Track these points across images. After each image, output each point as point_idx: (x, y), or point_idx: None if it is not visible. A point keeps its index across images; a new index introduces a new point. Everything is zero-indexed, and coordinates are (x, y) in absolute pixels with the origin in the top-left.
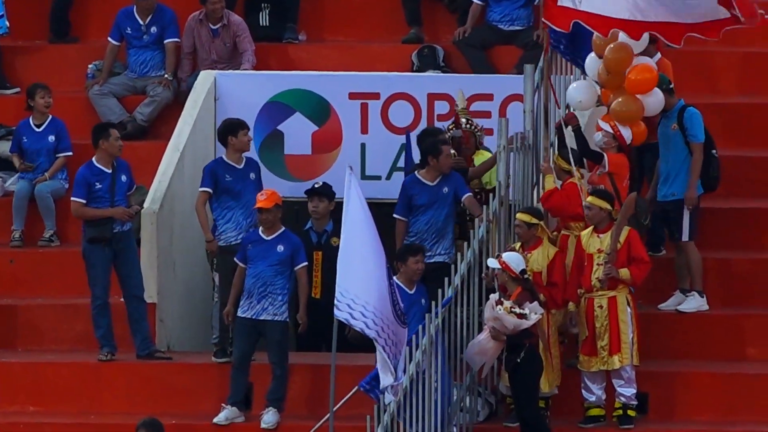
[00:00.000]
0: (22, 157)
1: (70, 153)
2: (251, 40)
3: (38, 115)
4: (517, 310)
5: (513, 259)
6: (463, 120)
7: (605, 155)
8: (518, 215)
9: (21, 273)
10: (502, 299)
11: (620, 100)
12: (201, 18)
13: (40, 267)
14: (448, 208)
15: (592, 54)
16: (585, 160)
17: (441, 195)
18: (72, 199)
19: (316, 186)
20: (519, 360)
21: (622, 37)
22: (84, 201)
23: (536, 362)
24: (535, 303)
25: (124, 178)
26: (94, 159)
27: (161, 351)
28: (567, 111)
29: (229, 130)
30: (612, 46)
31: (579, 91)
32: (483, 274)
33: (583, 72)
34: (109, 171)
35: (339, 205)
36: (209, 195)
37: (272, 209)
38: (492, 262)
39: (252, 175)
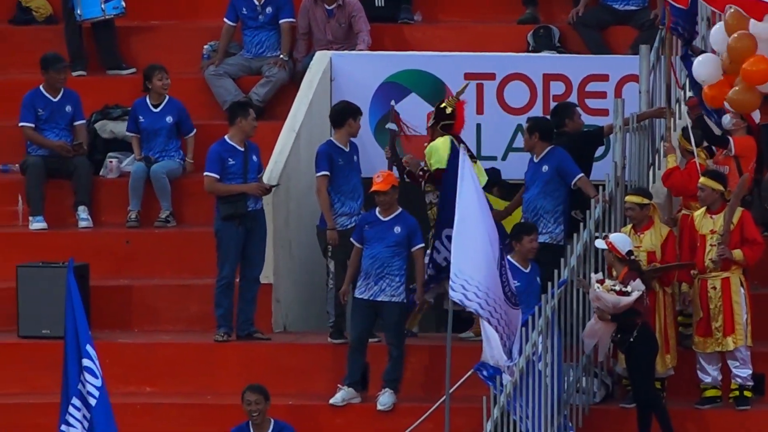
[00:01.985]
0: (140, 137)
1: (195, 131)
2: (366, 20)
3: (156, 95)
4: (617, 287)
5: (619, 240)
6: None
7: (731, 139)
8: (628, 197)
9: (137, 253)
10: (604, 279)
11: (737, 88)
12: None
13: (156, 247)
14: (543, 187)
15: (718, 25)
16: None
17: (539, 173)
18: (205, 174)
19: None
20: (632, 340)
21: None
22: (217, 176)
23: (650, 341)
24: (638, 281)
25: (255, 158)
26: (227, 137)
27: (260, 332)
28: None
29: (350, 113)
30: (736, 34)
31: (703, 65)
32: (578, 280)
33: (701, 51)
34: (242, 149)
35: None
36: (329, 178)
37: (389, 191)
38: (599, 243)
39: (355, 158)
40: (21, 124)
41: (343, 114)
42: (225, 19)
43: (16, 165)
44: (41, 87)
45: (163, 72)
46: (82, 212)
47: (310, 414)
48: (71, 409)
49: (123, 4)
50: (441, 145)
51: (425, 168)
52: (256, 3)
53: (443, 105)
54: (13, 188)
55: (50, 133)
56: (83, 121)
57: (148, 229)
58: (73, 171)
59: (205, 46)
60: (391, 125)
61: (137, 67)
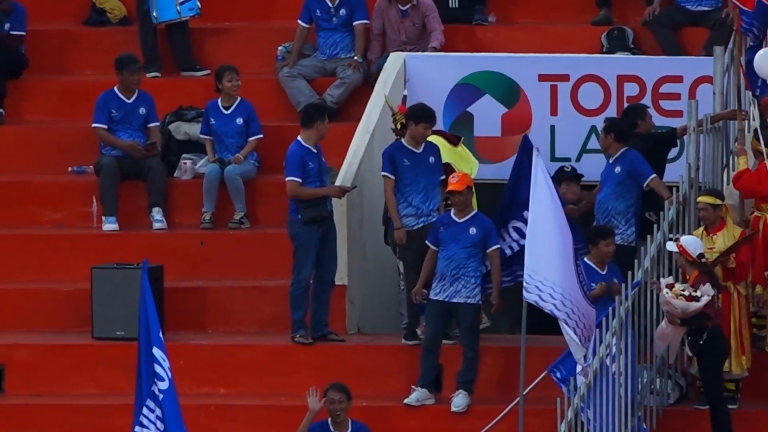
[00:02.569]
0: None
1: (261, 135)
2: (439, 20)
3: (226, 97)
4: (687, 292)
5: (690, 242)
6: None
7: None
8: (701, 198)
9: (211, 255)
10: (674, 283)
11: None
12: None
13: (230, 249)
14: (615, 188)
15: None
16: None
17: (612, 174)
18: (289, 179)
19: (565, 169)
20: (702, 342)
21: None
22: (300, 180)
23: (720, 344)
24: (707, 285)
25: (323, 159)
26: (302, 139)
27: (335, 333)
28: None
29: (421, 116)
30: None
31: (764, 59)
32: (651, 282)
33: None
34: (315, 151)
35: None
36: (392, 180)
37: (464, 192)
38: (670, 246)
39: (431, 159)
40: (94, 125)
41: (415, 116)
42: (299, 21)
43: (90, 166)
44: (115, 88)
45: (233, 73)
46: (157, 214)
47: (384, 415)
48: (145, 410)
49: (198, 5)
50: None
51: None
52: (330, 5)
53: (395, 122)
54: (88, 189)
55: (123, 134)
56: (157, 123)
57: (222, 230)
58: (147, 172)
59: (279, 48)
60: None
61: (211, 69)
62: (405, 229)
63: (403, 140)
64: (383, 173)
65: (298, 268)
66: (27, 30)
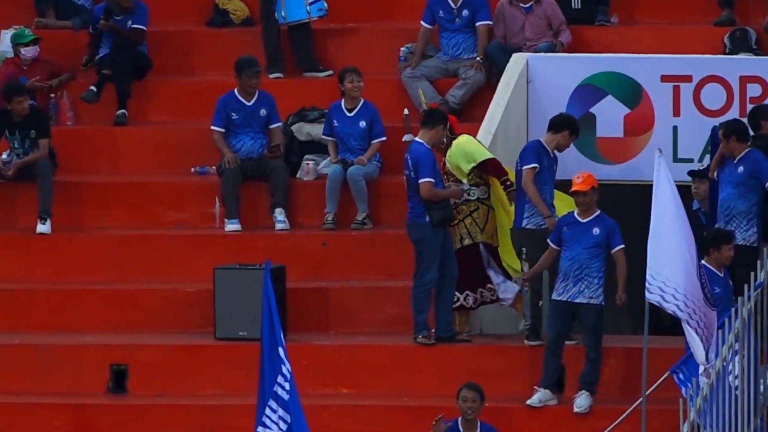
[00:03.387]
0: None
1: (384, 138)
2: (563, 17)
3: (349, 99)
4: None
5: None
6: None
7: None
8: None
9: (333, 256)
10: None
11: None
12: (511, 0)
13: (352, 250)
14: (737, 188)
15: None
16: None
17: (734, 174)
18: (426, 180)
19: (699, 168)
20: None
21: None
22: (434, 181)
23: None
24: None
25: None
26: (423, 140)
27: (462, 334)
28: None
29: (569, 125)
30: None
31: None
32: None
33: None
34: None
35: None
36: (536, 170)
37: (588, 192)
38: None
39: (554, 167)
40: (212, 127)
41: (564, 124)
42: (422, 22)
43: (213, 167)
44: (235, 91)
45: (354, 74)
46: (279, 214)
47: (507, 416)
48: (268, 411)
49: (326, 6)
50: (465, 141)
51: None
52: (453, 6)
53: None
54: (210, 190)
55: (245, 136)
56: (279, 124)
57: (344, 231)
58: (269, 173)
59: (402, 49)
60: (406, 137)
61: (334, 70)
62: (533, 228)
63: (542, 139)
64: (529, 166)
65: (423, 270)
66: (151, 31)
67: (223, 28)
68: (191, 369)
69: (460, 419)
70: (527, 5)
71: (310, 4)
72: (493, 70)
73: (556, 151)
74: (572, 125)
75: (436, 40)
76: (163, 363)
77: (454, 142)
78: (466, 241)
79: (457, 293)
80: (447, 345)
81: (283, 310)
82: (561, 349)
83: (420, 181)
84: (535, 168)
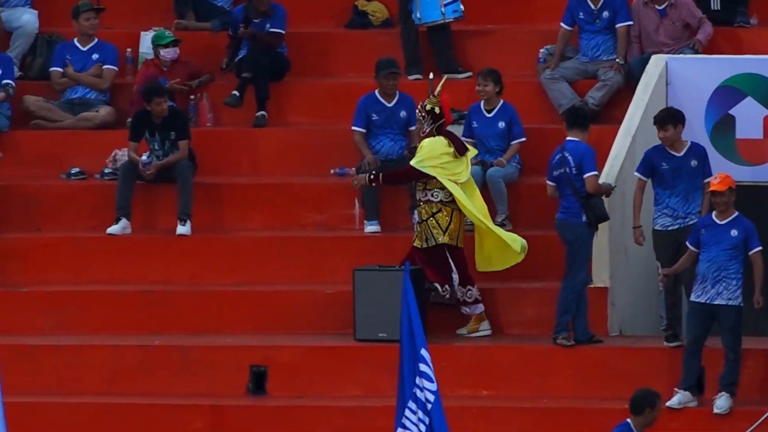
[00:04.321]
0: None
1: (524, 139)
2: (700, 14)
3: (487, 100)
4: None
5: None
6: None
7: None
8: None
9: (473, 257)
10: None
11: None
12: (646, 0)
13: None
14: None
15: None
16: None
17: None
18: (594, 174)
19: None
20: None
21: None
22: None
23: None
24: None
25: None
26: (579, 139)
27: (597, 336)
28: None
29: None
30: None
31: None
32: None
33: None
34: None
35: None
36: (645, 183)
37: (726, 192)
38: None
39: (693, 162)
40: (352, 128)
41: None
42: (561, 24)
43: (353, 168)
44: (376, 92)
45: (485, 77)
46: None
47: None
48: (407, 412)
49: (462, 8)
50: (429, 144)
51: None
52: (593, 7)
53: (429, 107)
54: (350, 192)
55: (385, 138)
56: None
57: None
58: None
59: (541, 50)
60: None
61: (473, 71)
62: (659, 229)
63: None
64: (636, 173)
65: (575, 271)
66: (290, 33)
67: (362, 30)
68: (331, 370)
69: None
70: (662, 6)
71: (445, 5)
72: (632, 82)
73: (696, 144)
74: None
75: (576, 41)
76: (303, 364)
77: (421, 143)
78: (430, 242)
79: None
80: (585, 347)
81: (423, 311)
82: (700, 350)
83: (587, 175)
84: (644, 180)
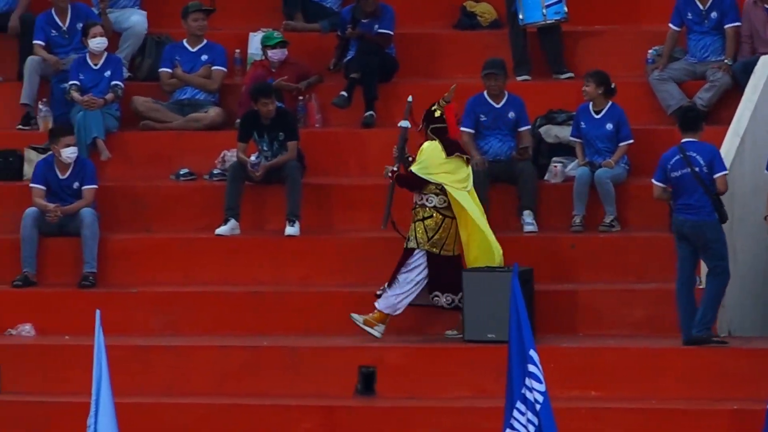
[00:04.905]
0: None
1: (632, 141)
2: None
3: (596, 102)
4: None
5: None
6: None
7: None
8: None
9: (581, 258)
10: None
11: None
12: (755, 0)
13: (601, 252)
14: None
15: None
16: None
17: None
18: (725, 173)
19: None
20: None
21: None
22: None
23: None
24: None
25: None
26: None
27: (718, 336)
28: None
29: None
30: None
31: None
32: None
33: None
34: None
35: None
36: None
37: None
38: None
39: None
40: (462, 129)
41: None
42: (670, 24)
43: None
44: (484, 93)
45: (587, 78)
46: (528, 217)
47: (757, 419)
48: (516, 413)
49: (565, 9)
50: (425, 148)
51: (394, 169)
52: (701, 8)
53: (433, 108)
54: None
55: (493, 138)
56: (528, 127)
57: (592, 233)
58: (518, 176)
59: (650, 51)
60: (403, 123)
61: (578, 72)
62: None
63: None
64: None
65: (725, 265)
66: (398, 33)
67: (470, 31)
68: (439, 371)
69: None
70: None
71: (547, 6)
72: (740, 83)
73: None
74: None
75: (684, 42)
76: (412, 365)
77: (421, 147)
78: (411, 244)
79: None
80: (695, 347)
81: (531, 312)
82: None
83: (720, 174)
84: None
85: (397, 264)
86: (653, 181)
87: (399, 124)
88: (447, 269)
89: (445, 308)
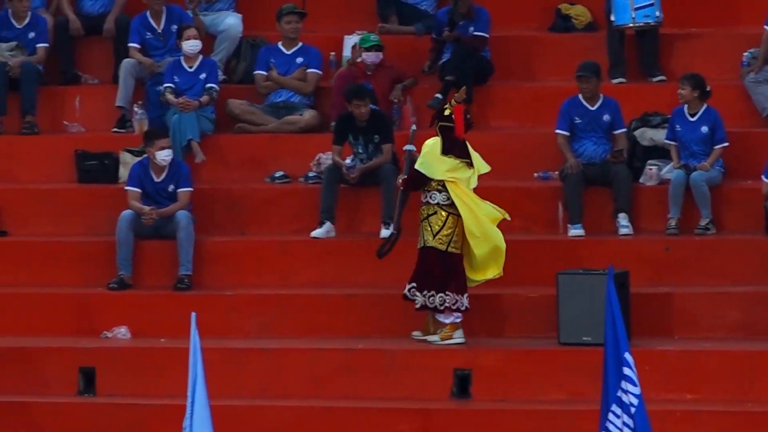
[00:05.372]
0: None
1: (727, 144)
2: None
3: (690, 104)
4: None
5: None
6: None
7: None
8: None
9: (676, 261)
10: None
11: None
12: None
13: (696, 255)
14: None
15: None
16: None
17: None
18: None
19: None
20: None
21: None
22: None
23: None
24: None
25: None
26: None
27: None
28: None
29: None
30: None
31: None
32: None
33: None
34: None
35: None
36: None
37: None
38: None
39: None
40: (556, 131)
41: None
42: (765, 26)
43: (556, 172)
44: (579, 95)
45: (682, 81)
46: (623, 219)
47: None
48: (611, 416)
49: (657, 14)
50: (427, 144)
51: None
52: None
53: (445, 106)
54: (553, 195)
55: (588, 141)
56: (623, 129)
57: (687, 236)
58: (612, 179)
59: (745, 54)
60: (409, 146)
61: (676, 75)
62: None
63: None
64: None
65: None
66: (493, 36)
67: (565, 33)
68: (534, 374)
69: None
70: None
71: (636, 9)
72: None
73: None
74: None
75: None
76: (507, 368)
77: (425, 143)
78: (420, 243)
79: (418, 294)
80: None
81: (626, 315)
82: None
83: None
84: None
85: (415, 270)
86: (763, 177)
87: (404, 148)
88: (448, 267)
89: (438, 309)
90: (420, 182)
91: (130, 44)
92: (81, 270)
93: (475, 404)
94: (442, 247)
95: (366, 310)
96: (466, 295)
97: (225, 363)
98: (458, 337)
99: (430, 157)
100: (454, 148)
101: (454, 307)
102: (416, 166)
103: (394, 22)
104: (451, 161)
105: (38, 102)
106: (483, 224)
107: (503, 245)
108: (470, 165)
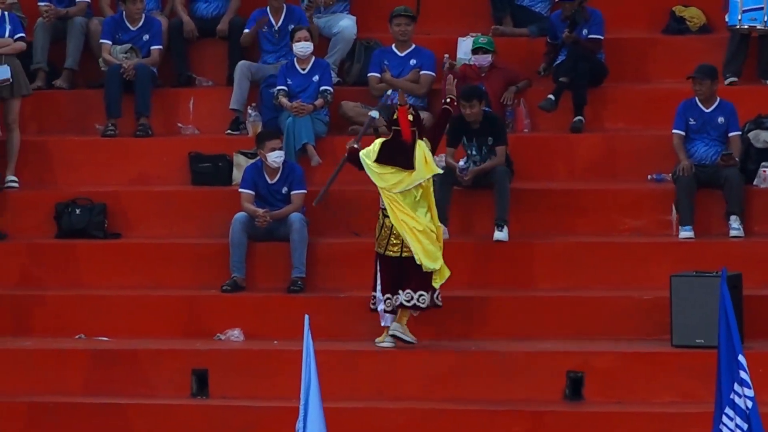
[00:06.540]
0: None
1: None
2: None
3: None
4: None
5: None
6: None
7: None
8: None
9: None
10: None
11: None
12: None
13: None
14: None
15: None
16: None
17: None
18: None
19: None
20: None
21: None
22: None
23: None
24: None
25: None
26: None
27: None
28: None
29: None
30: None
31: None
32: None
33: None
34: None
35: None
36: None
37: None
38: None
39: None
40: (673, 131)
41: None
42: None
43: (669, 174)
44: (695, 97)
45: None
46: (734, 222)
47: None
48: (724, 419)
49: (766, 18)
50: (375, 142)
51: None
52: None
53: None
54: (666, 198)
55: (700, 143)
56: (737, 132)
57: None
58: (724, 181)
59: None
60: (373, 113)
61: None
62: None
63: None
64: None
65: None
66: (608, 38)
67: (679, 36)
68: (647, 376)
69: None
70: None
71: (744, 12)
72: None
73: None
74: None
75: None
76: (620, 370)
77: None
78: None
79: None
80: None
81: (740, 317)
82: None
83: None
84: None
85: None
86: None
87: (369, 113)
88: (398, 269)
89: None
90: (359, 165)
91: (246, 30)
92: (194, 272)
93: (587, 406)
94: (381, 251)
95: (477, 312)
96: (420, 292)
97: (338, 365)
98: (389, 341)
99: (367, 152)
100: (396, 155)
101: (389, 309)
102: (360, 154)
103: (508, 24)
104: (384, 168)
105: (152, 104)
106: (405, 229)
107: (434, 247)
108: (408, 168)
